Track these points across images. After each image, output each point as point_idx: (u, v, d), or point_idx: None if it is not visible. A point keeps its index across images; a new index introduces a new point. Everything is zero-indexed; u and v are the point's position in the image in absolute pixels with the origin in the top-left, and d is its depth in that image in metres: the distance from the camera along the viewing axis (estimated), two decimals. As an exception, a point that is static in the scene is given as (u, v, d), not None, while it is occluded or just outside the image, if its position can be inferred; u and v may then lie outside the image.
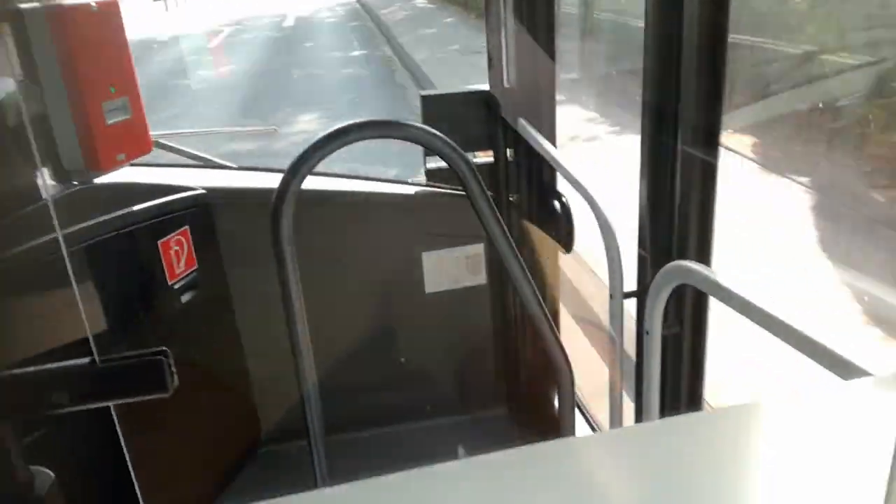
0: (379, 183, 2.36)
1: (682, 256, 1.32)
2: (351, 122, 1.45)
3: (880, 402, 0.64)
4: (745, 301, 0.99)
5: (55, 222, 1.25)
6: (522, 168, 2.20)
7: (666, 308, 1.28)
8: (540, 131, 2.02)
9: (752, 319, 0.97)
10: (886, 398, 0.64)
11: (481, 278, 2.35)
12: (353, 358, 2.30)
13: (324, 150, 1.42)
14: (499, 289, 2.40)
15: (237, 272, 2.26)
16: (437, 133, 1.49)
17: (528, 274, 1.56)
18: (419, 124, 1.50)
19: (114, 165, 1.91)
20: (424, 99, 2.26)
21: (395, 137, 1.50)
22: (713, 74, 1.19)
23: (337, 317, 2.21)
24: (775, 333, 0.94)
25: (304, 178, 1.43)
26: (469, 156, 2.32)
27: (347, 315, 2.31)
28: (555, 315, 2.31)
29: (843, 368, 0.82)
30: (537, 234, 2.18)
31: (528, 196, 2.21)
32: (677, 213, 1.33)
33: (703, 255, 1.31)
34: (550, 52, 2.11)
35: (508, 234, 1.52)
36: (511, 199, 2.29)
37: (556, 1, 2.16)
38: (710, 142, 1.24)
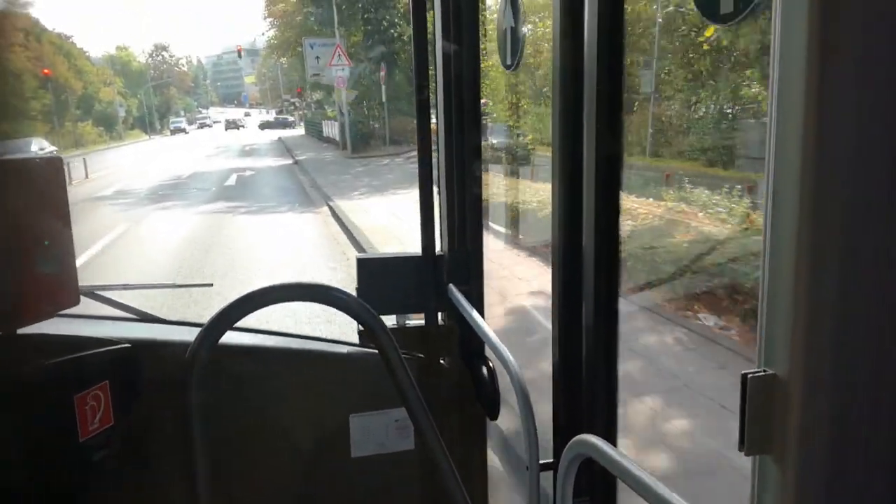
0: (309, 341, 2.37)
1: (591, 429, 1.35)
2: (268, 285, 1.49)
3: None
4: (641, 481, 1.01)
5: None
6: (452, 332, 2.25)
7: (579, 480, 1.29)
8: (468, 298, 2.09)
9: (647, 500, 0.98)
10: None
11: (409, 443, 2.31)
12: None
13: (238, 311, 1.45)
14: (427, 455, 2.37)
15: (157, 430, 2.18)
16: (351, 295, 1.54)
17: (441, 440, 1.56)
18: (336, 288, 1.55)
19: (39, 316, 1.89)
20: (360, 262, 2.33)
21: (311, 301, 1.53)
22: (609, 256, 1.29)
23: (254, 480, 2.13)
24: None
25: (216, 340, 1.45)
26: (402, 318, 2.37)
27: (265, 478, 2.23)
28: (482, 480, 2.27)
29: None
30: (464, 399, 2.19)
31: (457, 360, 2.23)
32: (585, 387, 1.37)
33: (610, 429, 1.34)
34: (479, 223, 2.22)
35: (421, 399, 1.54)
36: (441, 361, 2.31)
37: (483, 174, 2.32)
38: (611, 317, 1.31)
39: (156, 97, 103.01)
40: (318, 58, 30.35)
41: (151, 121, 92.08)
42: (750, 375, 0.54)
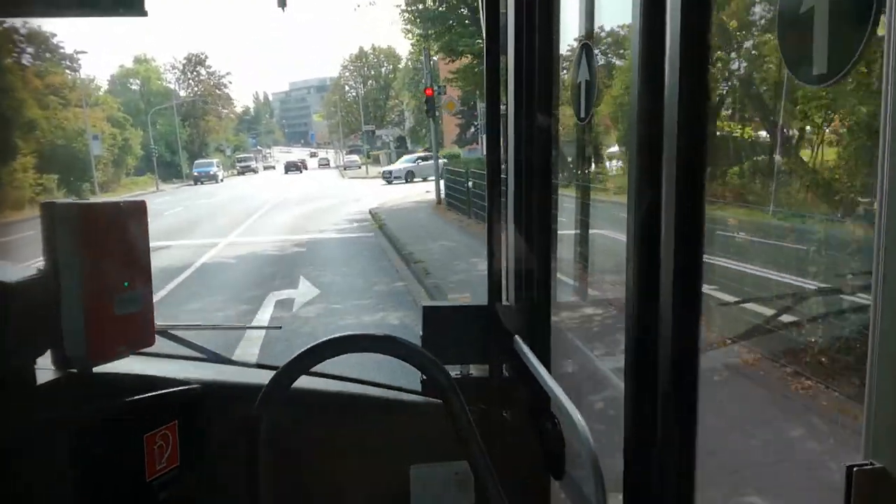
0: (372, 387, 2.36)
1: (665, 499, 1.29)
2: (335, 336, 1.50)
3: None
4: None
5: None
6: (517, 386, 2.21)
7: None
8: (534, 351, 2.05)
9: None
10: None
11: (470, 498, 2.26)
12: None
13: (308, 361, 1.47)
14: None
15: (223, 472, 2.20)
16: (416, 346, 1.54)
17: (504, 498, 1.52)
18: (402, 339, 1.55)
19: (115, 355, 1.94)
20: (426, 309, 2.32)
21: (377, 352, 1.53)
22: (691, 307, 1.25)
23: None
24: None
25: (286, 388, 1.46)
26: (465, 368, 2.35)
27: None
28: None
29: None
30: (527, 456, 2.13)
31: (521, 415, 2.19)
32: (659, 451, 1.32)
33: (687, 501, 1.28)
34: (548, 275, 2.19)
35: (486, 453, 1.50)
36: (504, 414, 2.27)
37: (555, 224, 2.30)
38: (691, 374, 1.26)
39: (184, 128, 71.46)
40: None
41: (175, 162, 65.92)
42: (856, 468, 0.51)
